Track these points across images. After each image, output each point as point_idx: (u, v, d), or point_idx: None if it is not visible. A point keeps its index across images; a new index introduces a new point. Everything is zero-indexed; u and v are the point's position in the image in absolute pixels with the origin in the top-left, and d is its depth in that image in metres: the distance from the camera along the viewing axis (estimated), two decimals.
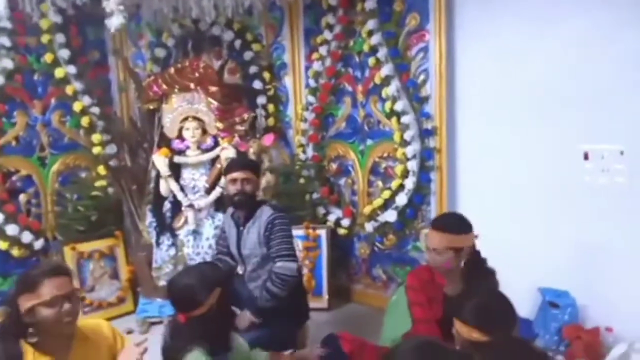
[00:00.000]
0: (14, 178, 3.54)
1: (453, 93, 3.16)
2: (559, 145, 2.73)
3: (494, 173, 3.03)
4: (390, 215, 3.34)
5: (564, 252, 2.72)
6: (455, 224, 2.13)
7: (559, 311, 2.63)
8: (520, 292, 2.81)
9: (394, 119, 3.27)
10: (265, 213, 2.62)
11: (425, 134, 3.20)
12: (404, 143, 3.23)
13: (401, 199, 3.28)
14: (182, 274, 2.03)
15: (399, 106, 3.20)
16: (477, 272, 2.07)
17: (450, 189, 3.19)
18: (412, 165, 3.21)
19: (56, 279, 1.63)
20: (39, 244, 3.56)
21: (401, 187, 3.29)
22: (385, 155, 3.48)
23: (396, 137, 3.27)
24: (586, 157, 2.63)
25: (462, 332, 1.60)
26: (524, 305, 2.83)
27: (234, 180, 2.64)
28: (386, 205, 3.40)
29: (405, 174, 3.27)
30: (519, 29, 2.84)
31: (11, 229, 3.41)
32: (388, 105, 3.28)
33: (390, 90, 3.24)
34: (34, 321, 1.59)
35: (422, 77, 3.19)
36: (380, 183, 3.55)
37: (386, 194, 3.39)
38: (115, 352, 1.80)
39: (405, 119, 3.19)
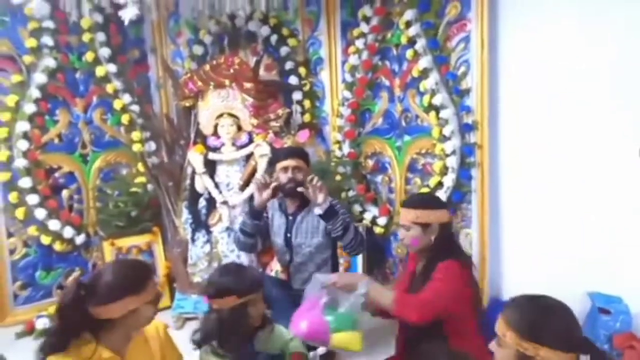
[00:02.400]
0: (56, 174, 3.64)
1: (495, 86, 2.99)
2: (610, 141, 2.52)
3: (539, 170, 2.84)
4: None
5: (616, 255, 2.52)
6: (421, 199, 2.26)
7: (610, 318, 2.43)
8: (568, 297, 2.61)
9: (432, 114, 3.14)
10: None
11: (465, 128, 3.04)
12: (443, 138, 3.09)
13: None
14: (227, 269, 2.02)
15: (437, 100, 3.07)
16: (446, 249, 2.09)
17: (492, 187, 3.03)
18: (452, 161, 3.06)
19: (153, 276, 1.68)
20: (80, 239, 3.66)
21: (440, 184, 3.15)
22: (423, 151, 3.35)
23: (435, 132, 3.13)
24: None
25: (549, 358, 1.30)
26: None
27: (285, 169, 2.63)
28: None
29: (444, 171, 3.13)
30: (566, 18, 2.64)
31: (53, 224, 3.51)
32: (426, 99, 3.15)
33: (429, 83, 3.11)
34: (127, 321, 1.59)
35: (462, 69, 3.04)
36: (418, 180, 3.42)
37: (424, 191, 3.25)
38: (163, 350, 1.81)
39: (444, 114, 3.05)
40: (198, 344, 1.90)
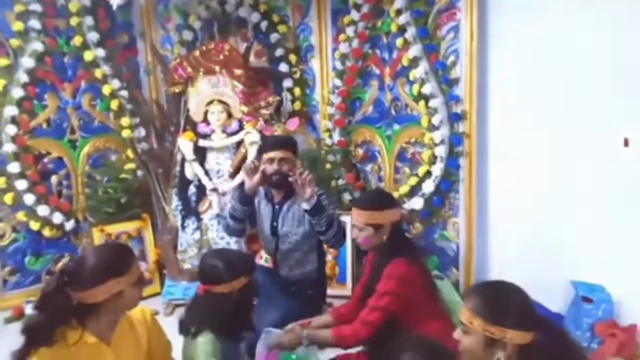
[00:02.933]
0: (45, 160, 3.62)
1: (484, 75, 3.00)
2: (596, 131, 2.55)
3: (527, 160, 2.87)
4: (417, 203, 3.24)
5: (599, 244, 2.56)
6: (374, 200, 2.22)
7: (592, 306, 2.48)
8: (552, 285, 2.71)
9: (421, 103, 3.15)
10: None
11: (454, 118, 3.06)
12: (432, 128, 3.11)
13: (428, 186, 3.17)
14: (220, 250, 2.11)
15: (427, 89, 3.08)
16: (397, 247, 2.10)
17: (480, 176, 3.06)
18: (440, 150, 3.09)
19: (135, 258, 1.67)
20: (69, 225, 3.66)
21: (428, 173, 3.19)
22: (412, 140, 3.37)
23: (424, 121, 3.15)
24: (626, 143, 2.44)
25: (514, 338, 1.33)
26: (556, 300, 2.71)
27: (271, 160, 2.61)
28: (413, 192, 3.30)
29: (432, 160, 3.16)
30: (556, 8, 2.65)
31: (42, 210, 3.50)
32: (416, 88, 3.17)
33: (418, 72, 3.12)
34: (113, 304, 1.58)
35: (451, 58, 3.05)
36: (407, 169, 3.44)
37: (413, 180, 3.28)
38: (150, 335, 1.79)
39: (433, 103, 3.07)
40: (195, 329, 1.83)
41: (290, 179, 2.51)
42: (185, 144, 3.48)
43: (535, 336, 1.33)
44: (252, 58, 3.69)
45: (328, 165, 3.71)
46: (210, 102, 3.50)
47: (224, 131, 3.50)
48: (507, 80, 2.94)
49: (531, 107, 2.82)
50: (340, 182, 3.73)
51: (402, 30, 3.20)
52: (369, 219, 2.09)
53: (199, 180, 3.49)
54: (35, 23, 3.42)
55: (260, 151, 3.04)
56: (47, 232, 3.57)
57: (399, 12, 3.19)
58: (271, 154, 2.61)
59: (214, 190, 3.43)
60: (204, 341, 1.78)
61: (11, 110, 3.39)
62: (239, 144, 3.49)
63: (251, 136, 3.42)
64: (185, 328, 1.87)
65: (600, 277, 2.57)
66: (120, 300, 1.59)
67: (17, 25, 3.38)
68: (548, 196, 2.79)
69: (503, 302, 1.37)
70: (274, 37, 3.73)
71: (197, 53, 3.53)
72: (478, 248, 3.10)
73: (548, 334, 1.35)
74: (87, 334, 1.58)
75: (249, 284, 1.90)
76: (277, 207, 2.70)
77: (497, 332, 1.32)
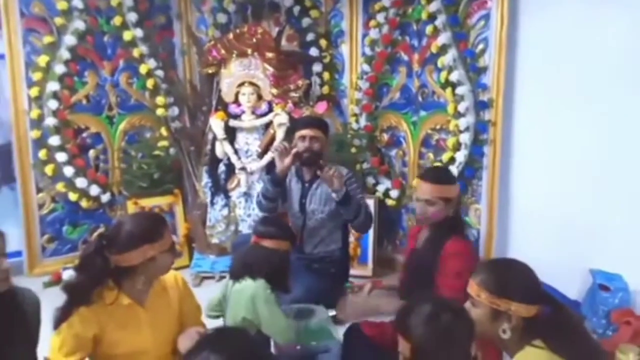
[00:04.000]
0: (84, 134, 3.79)
1: (513, 64, 3.01)
2: (622, 122, 2.56)
3: (551, 149, 2.89)
4: None
5: (619, 234, 2.58)
6: (446, 174, 2.32)
7: (609, 294, 2.51)
8: (571, 272, 2.74)
9: (448, 90, 3.18)
10: (341, 171, 2.70)
11: (480, 106, 3.09)
12: (458, 115, 3.14)
13: None
14: (278, 216, 2.55)
15: (454, 76, 3.11)
16: (458, 221, 2.19)
17: (504, 164, 3.08)
18: (465, 138, 3.12)
19: (168, 227, 1.75)
20: (105, 198, 3.83)
21: (452, 160, 3.22)
22: (438, 127, 3.41)
23: (450, 108, 3.19)
24: None
25: (519, 311, 1.41)
26: (573, 286, 2.74)
27: (302, 137, 2.73)
28: None
29: (457, 146, 3.19)
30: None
31: (80, 182, 3.67)
32: (443, 75, 3.19)
33: (447, 59, 3.15)
34: (146, 269, 1.67)
35: (480, 46, 3.07)
36: (431, 155, 3.49)
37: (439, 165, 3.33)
38: (181, 298, 1.89)
39: (460, 90, 3.10)
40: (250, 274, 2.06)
41: (318, 173, 2.62)
42: (216, 123, 3.60)
43: (540, 310, 1.40)
44: (283, 42, 3.78)
45: (353, 149, 3.78)
46: (242, 84, 3.61)
47: (253, 112, 3.61)
48: (535, 70, 2.95)
49: (557, 97, 2.83)
50: (365, 166, 3.80)
51: (432, 17, 3.23)
52: (443, 193, 2.16)
53: (229, 159, 3.62)
54: (78, 2, 3.55)
55: (291, 131, 3.14)
56: (84, 203, 3.75)
57: (430, 0, 3.23)
58: (303, 132, 2.72)
59: (243, 169, 3.56)
60: (261, 283, 2.02)
61: (53, 86, 3.55)
62: (268, 125, 3.60)
63: (280, 118, 3.52)
64: (237, 274, 2.08)
65: (618, 266, 2.59)
66: (153, 265, 1.67)
67: (61, 5, 3.53)
68: (569, 185, 2.81)
69: (508, 276, 1.45)
70: (305, 21, 3.81)
71: (230, 36, 3.63)
72: (498, 235, 3.14)
73: (551, 307, 1.43)
74: (123, 296, 1.68)
75: (288, 251, 2.15)
76: (306, 185, 2.80)
77: (502, 305, 1.40)
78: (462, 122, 3.12)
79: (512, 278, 1.45)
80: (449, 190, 2.18)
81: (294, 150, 2.67)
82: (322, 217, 2.76)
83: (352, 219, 2.73)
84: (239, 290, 2.05)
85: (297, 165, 2.80)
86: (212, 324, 2.07)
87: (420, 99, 3.51)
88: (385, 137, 3.79)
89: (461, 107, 3.11)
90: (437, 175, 2.30)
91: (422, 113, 3.50)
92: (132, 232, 1.65)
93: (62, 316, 1.63)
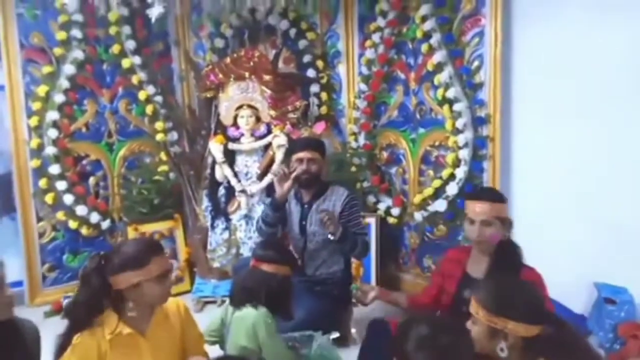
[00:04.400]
0: (84, 162, 3.80)
1: (508, 79, 3.04)
2: (621, 136, 2.57)
3: (550, 163, 2.89)
4: (441, 205, 3.29)
5: (623, 247, 2.56)
6: (499, 194, 2.18)
7: (615, 308, 2.48)
8: (575, 286, 2.72)
9: (446, 107, 3.20)
10: (339, 192, 2.76)
11: (478, 122, 3.11)
12: (456, 131, 3.15)
13: (452, 189, 3.22)
14: (279, 240, 2.51)
15: (451, 93, 3.13)
16: (510, 250, 2.01)
17: (503, 179, 3.08)
18: (464, 154, 3.13)
19: (161, 256, 1.70)
20: (105, 224, 3.82)
21: (452, 176, 3.23)
22: (436, 143, 3.42)
23: (448, 125, 3.20)
24: None
25: (517, 330, 1.40)
26: (579, 301, 2.72)
27: (300, 160, 2.73)
28: (437, 194, 3.34)
29: (456, 162, 3.20)
30: (581, 14, 2.69)
31: (81, 210, 3.67)
32: (440, 92, 3.22)
33: (443, 76, 3.17)
34: (134, 296, 1.65)
35: (476, 63, 3.10)
36: (431, 172, 3.49)
37: (437, 183, 3.33)
38: (183, 326, 1.87)
39: (457, 107, 3.12)
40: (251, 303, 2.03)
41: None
42: (215, 147, 3.61)
43: (542, 330, 1.39)
44: (280, 64, 3.82)
45: (353, 168, 3.78)
46: (240, 107, 3.63)
47: (252, 135, 3.62)
48: (531, 85, 2.97)
49: (555, 110, 2.85)
50: (365, 184, 3.79)
51: (427, 36, 3.27)
52: (500, 212, 2.04)
53: (228, 182, 3.62)
54: (77, 32, 3.59)
55: (289, 153, 3.15)
56: (84, 231, 3.74)
57: (424, 19, 3.26)
58: (300, 155, 2.73)
59: (243, 191, 3.55)
60: (263, 312, 2.00)
61: (53, 115, 3.57)
62: (267, 147, 3.60)
63: (279, 139, 3.53)
64: (238, 300, 2.06)
65: (623, 279, 2.57)
66: (139, 292, 1.65)
67: (61, 35, 3.57)
68: (571, 199, 2.80)
69: (507, 295, 1.44)
70: (302, 43, 3.84)
71: (228, 60, 3.66)
72: None
73: (555, 327, 1.40)
74: (123, 325, 1.66)
75: (289, 276, 2.11)
76: (306, 206, 2.79)
77: (499, 323, 1.40)
78: (461, 139, 3.12)
79: (512, 297, 1.44)
80: (504, 209, 2.08)
81: (292, 175, 2.68)
82: (322, 239, 2.74)
83: (348, 252, 2.77)
84: (241, 317, 2.02)
85: (295, 187, 2.80)
86: (210, 349, 2.04)
87: (418, 116, 3.52)
88: (385, 155, 3.79)
89: (459, 124, 3.12)
90: (492, 193, 2.19)
91: (421, 130, 3.51)
92: (119, 255, 1.66)
93: (63, 342, 1.63)
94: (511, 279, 1.52)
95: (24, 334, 1.70)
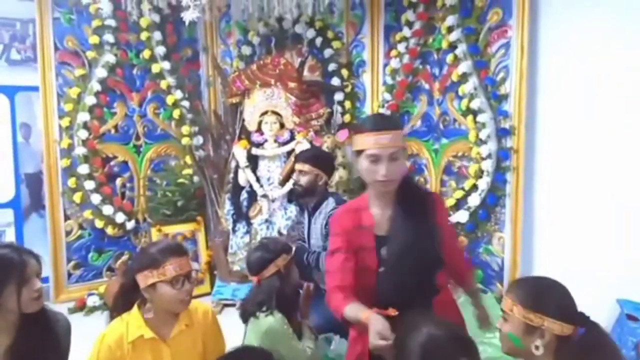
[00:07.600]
0: (112, 163, 3.90)
1: (534, 91, 3.02)
2: None
3: (575, 176, 2.86)
4: (462, 216, 3.26)
5: None
6: (394, 118, 1.96)
7: (637, 325, 2.43)
8: (597, 302, 2.64)
9: (469, 117, 3.20)
10: (329, 206, 2.69)
11: (502, 133, 3.09)
12: (480, 142, 3.14)
13: (474, 200, 3.20)
14: (257, 243, 2.33)
15: (475, 104, 3.13)
16: (411, 182, 1.75)
17: (527, 192, 3.06)
18: (487, 165, 3.11)
19: (179, 258, 1.68)
20: (130, 225, 3.90)
21: (474, 187, 3.21)
22: (459, 154, 3.41)
23: (471, 136, 3.19)
24: None
25: (552, 328, 1.35)
26: (601, 317, 2.63)
27: (295, 172, 2.78)
28: (458, 205, 3.32)
29: (479, 174, 3.18)
30: (607, 25, 2.67)
31: (107, 210, 3.76)
32: (464, 103, 3.22)
33: (467, 87, 3.17)
34: (152, 297, 1.68)
35: (501, 74, 3.09)
36: (453, 183, 3.48)
37: (459, 194, 3.31)
38: (206, 338, 1.83)
39: (481, 118, 3.11)
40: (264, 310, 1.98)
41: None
42: (239, 151, 3.66)
43: (574, 330, 1.36)
44: (306, 72, 3.85)
45: None
46: (265, 113, 3.68)
47: (276, 141, 3.67)
48: (556, 97, 2.95)
49: (582, 123, 2.82)
50: None
51: (452, 46, 3.27)
52: (403, 140, 1.71)
53: (251, 187, 3.66)
54: (109, 37, 3.72)
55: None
56: (109, 231, 3.83)
57: (450, 29, 3.27)
58: (296, 166, 2.80)
59: (265, 196, 3.59)
60: (279, 318, 1.95)
61: (84, 117, 3.68)
62: (290, 153, 3.63)
63: (302, 146, 3.55)
64: (247, 309, 2.03)
65: None
66: (156, 294, 1.67)
67: (93, 39, 3.69)
68: (595, 214, 2.76)
69: (543, 292, 1.41)
70: (327, 52, 3.88)
71: (254, 67, 3.72)
72: (523, 264, 3.09)
73: (587, 329, 1.37)
74: (147, 329, 1.69)
75: (290, 261, 2.08)
76: (310, 218, 2.81)
77: (535, 319, 1.36)
78: (484, 150, 3.11)
79: (547, 294, 1.41)
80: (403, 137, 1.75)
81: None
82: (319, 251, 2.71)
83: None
84: (256, 323, 1.99)
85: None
86: None
87: (441, 126, 3.52)
88: (407, 164, 3.79)
89: (483, 135, 3.11)
90: (393, 120, 1.86)
91: (444, 140, 3.51)
92: (141, 255, 1.75)
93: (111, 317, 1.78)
94: (544, 277, 1.48)
95: (55, 326, 1.74)
